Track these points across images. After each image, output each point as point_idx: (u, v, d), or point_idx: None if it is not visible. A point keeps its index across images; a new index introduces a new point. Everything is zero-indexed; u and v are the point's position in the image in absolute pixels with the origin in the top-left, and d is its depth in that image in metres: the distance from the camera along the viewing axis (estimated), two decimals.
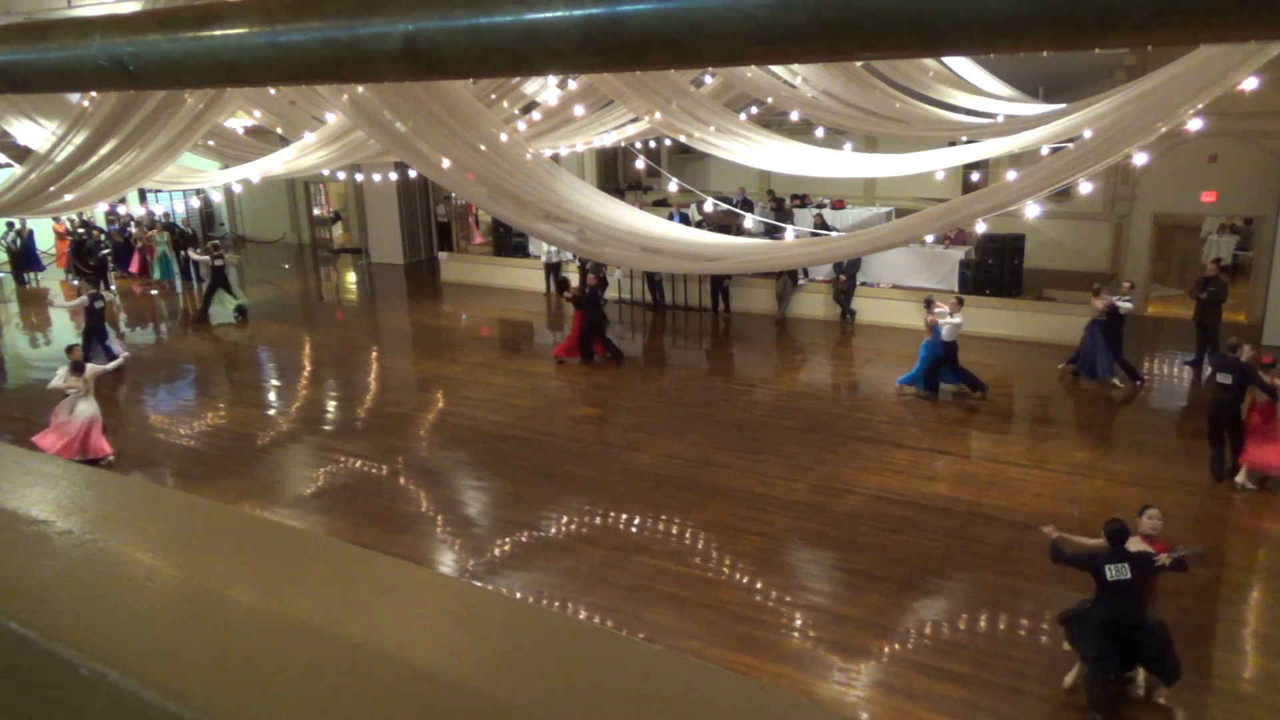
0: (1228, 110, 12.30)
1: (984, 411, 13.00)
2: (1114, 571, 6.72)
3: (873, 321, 16.99)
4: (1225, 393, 10.07)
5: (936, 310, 12.96)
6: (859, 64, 11.11)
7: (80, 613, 0.84)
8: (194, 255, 20.49)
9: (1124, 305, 13.10)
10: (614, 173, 23.40)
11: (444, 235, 24.82)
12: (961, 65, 13.71)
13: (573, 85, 11.45)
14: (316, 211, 27.95)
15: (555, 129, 12.13)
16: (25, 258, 23.18)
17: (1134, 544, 6.96)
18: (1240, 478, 9.98)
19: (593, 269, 16.36)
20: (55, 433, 11.49)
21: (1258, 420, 9.97)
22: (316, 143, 11.58)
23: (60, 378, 11.60)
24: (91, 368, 11.97)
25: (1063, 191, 8.58)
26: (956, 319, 12.75)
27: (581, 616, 8.07)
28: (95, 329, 15.23)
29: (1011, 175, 8.47)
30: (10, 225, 22.35)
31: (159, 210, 25.60)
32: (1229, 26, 0.55)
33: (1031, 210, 8.40)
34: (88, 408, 11.54)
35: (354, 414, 13.86)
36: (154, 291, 22.39)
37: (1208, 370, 10.33)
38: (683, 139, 12.13)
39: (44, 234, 24.14)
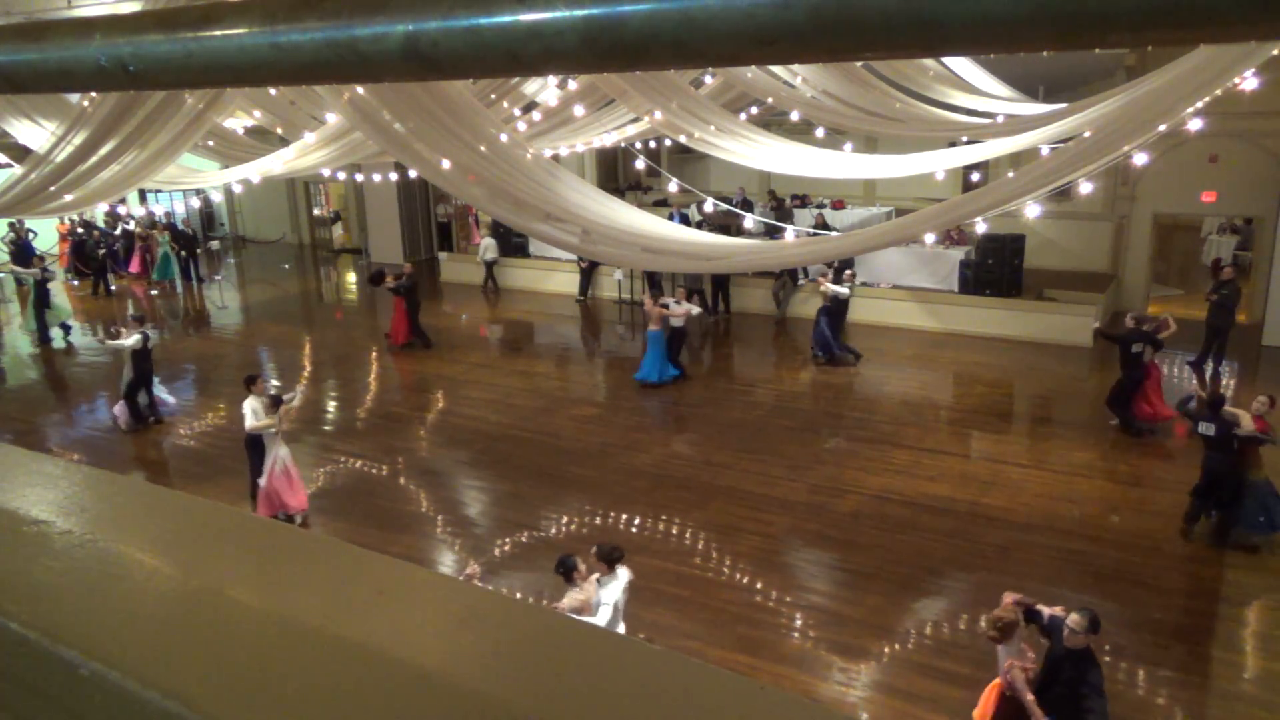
0: (1228, 110, 12.29)
1: (984, 411, 13.01)
2: (1203, 427, 8.87)
3: (873, 321, 16.99)
4: (1142, 360, 11.78)
5: (661, 302, 14.29)
6: (859, 64, 11.11)
7: (80, 613, 0.84)
8: (17, 270, 19.05)
9: (842, 291, 14.84)
10: (614, 173, 23.40)
11: (444, 235, 24.83)
12: (961, 65, 13.70)
13: (573, 85, 11.45)
14: (316, 211, 27.97)
15: (555, 129, 12.13)
16: (22, 259, 23.11)
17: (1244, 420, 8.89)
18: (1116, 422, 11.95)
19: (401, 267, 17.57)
20: (271, 481, 9.79)
21: (1157, 375, 12.00)
22: (316, 143, 11.58)
23: (252, 415, 9.72)
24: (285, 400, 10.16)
25: (1063, 191, 8.58)
26: (683, 309, 14.19)
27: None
28: (146, 375, 12.94)
29: (1011, 175, 8.47)
30: (12, 225, 22.28)
31: (160, 210, 25.59)
32: (1229, 26, 0.55)
33: (1031, 210, 8.40)
34: (284, 451, 9.89)
35: (354, 414, 13.85)
36: (154, 291, 22.40)
37: (1138, 349, 11.78)
38: (683, 139, 12.14)
39: (46, 234, 24.09)
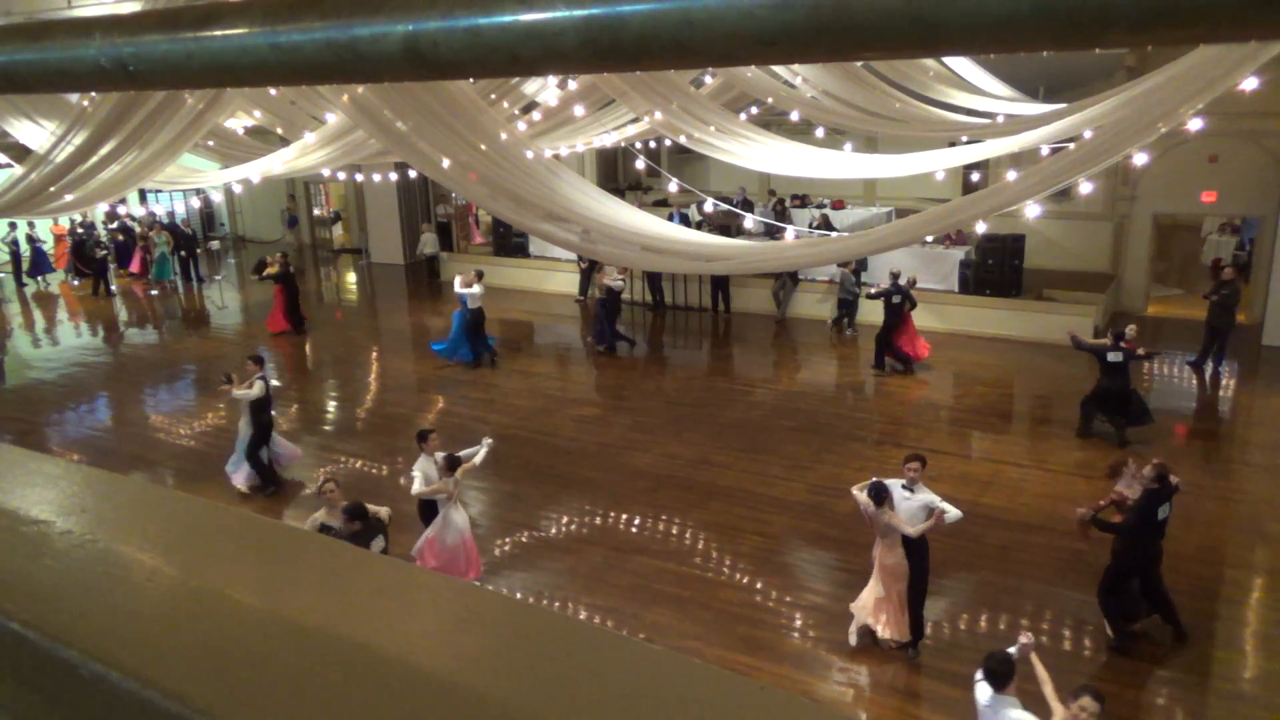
0: (1228, 110, 12.30)
1: (984, 411, 13.00)
2: (1114, 355, 11.13)
3: (873, 321, 16.97)
4: (901, 310, 14.44)
5: (462, 282, 15.10)
6: (859, 64, 11.11)
7: (80, 613, 0.84)
8: None
9: (615, 284, 15.82)
10: (614, 173, 23.41)
11: (444, 235, 24.82)
12: (961, 65, 13.71)
13: (573, 85, 11.45)
14: (316, 211, 27.95)
15: (555, 129, 12.13)
16: (35, 262, 23.06)
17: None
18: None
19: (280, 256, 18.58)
20: (430, 551, 8.48)
21: (910, 322, 14.65)
22: (316, 143, 11.58)
23: (421, 480, 8.47)
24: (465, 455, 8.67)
25: (1063, 191, 8.60)
26: (476, 289, 14.84)
27: (581, 616, 8.07)
28: (266, 429, 10.95)
29: (1011, 175, 8.48)
30: (13, 226, 22.27)
31: (160, 210, 25.59)
32: (1229, 26, 0.55)
33: (1031, 210, 8.40)
34: (461, 518, 8.56)
35: (354, 414, 13.86)
36: (154, 292, 22.40)
37: (897, 300, 14.21)
38: (683, 139, 12.13)
39: (42, 235, 24.11)
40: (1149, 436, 11.55)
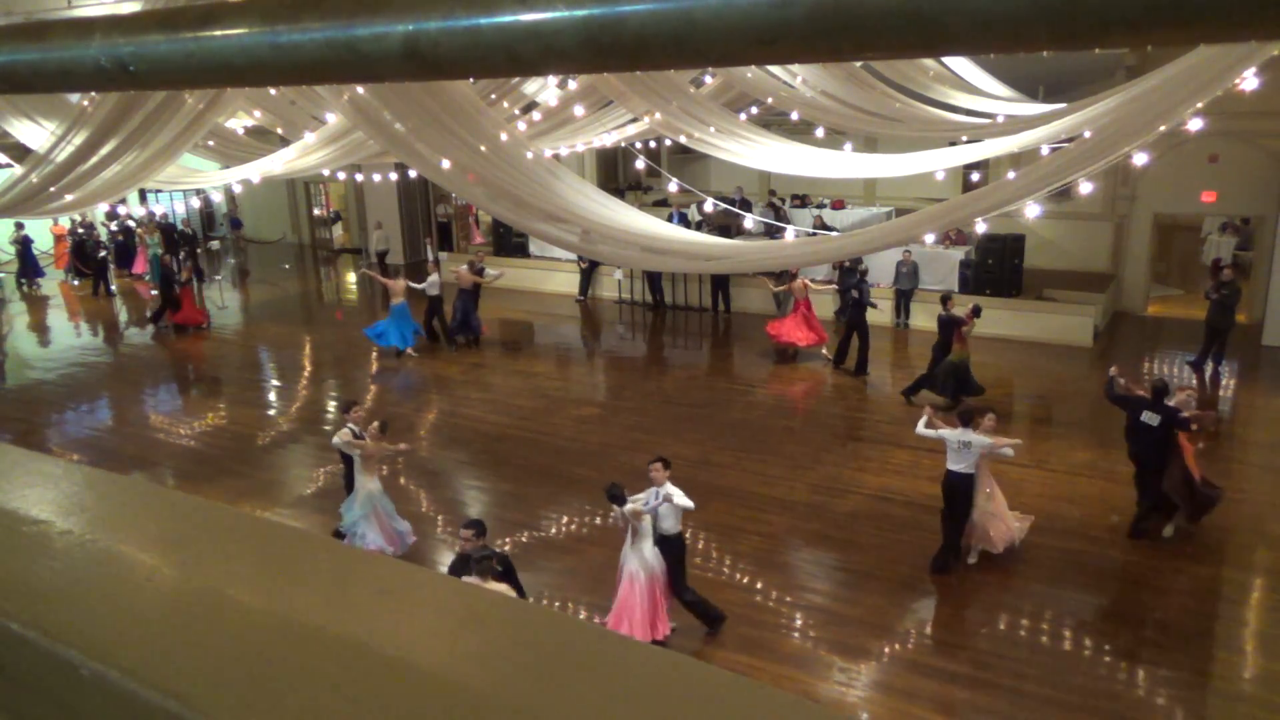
0: (1228, 110, 12.30)
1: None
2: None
3: (873, 321, 16.95)
4: (864, 302, 14.45)
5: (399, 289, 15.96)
6: (859, 64, 11.12)
7: (80, 613, 0.84)
8: None
9: (490, 275, 16.70)
10: (614, 173, 23.41)
11: (444, 235, 24.83)
12: (961, 65, 13.70)
13: (573, 85, 11.45)
14: (316, 211, 27.97)
15: (555, 129, 12.13)
16: (26, 265, 22.99)
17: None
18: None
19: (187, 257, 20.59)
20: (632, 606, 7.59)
21: (804, 308, 15.07)
22: (316, 143, 11.58)
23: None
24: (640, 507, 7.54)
25: (1063, 191, 8.58)
26: (434, 278, 16.19)
27: (581, 616, 8.07)
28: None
29: (1011, 175, 8.48)
30: (19, 226, 22.19)
31: (159, 210, 25.56)
32: (1229, 26, 0.55)
33: (1031, 210, 8.40)
34: (633, 563, 7.62)
35: None
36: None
37: (856, 295, 14.31)
38: (683, 139, 12.14)
39: (41, 235, 24.01)
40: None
